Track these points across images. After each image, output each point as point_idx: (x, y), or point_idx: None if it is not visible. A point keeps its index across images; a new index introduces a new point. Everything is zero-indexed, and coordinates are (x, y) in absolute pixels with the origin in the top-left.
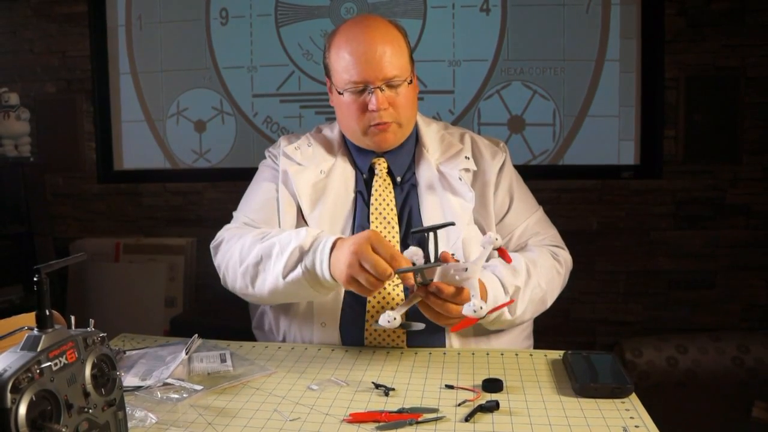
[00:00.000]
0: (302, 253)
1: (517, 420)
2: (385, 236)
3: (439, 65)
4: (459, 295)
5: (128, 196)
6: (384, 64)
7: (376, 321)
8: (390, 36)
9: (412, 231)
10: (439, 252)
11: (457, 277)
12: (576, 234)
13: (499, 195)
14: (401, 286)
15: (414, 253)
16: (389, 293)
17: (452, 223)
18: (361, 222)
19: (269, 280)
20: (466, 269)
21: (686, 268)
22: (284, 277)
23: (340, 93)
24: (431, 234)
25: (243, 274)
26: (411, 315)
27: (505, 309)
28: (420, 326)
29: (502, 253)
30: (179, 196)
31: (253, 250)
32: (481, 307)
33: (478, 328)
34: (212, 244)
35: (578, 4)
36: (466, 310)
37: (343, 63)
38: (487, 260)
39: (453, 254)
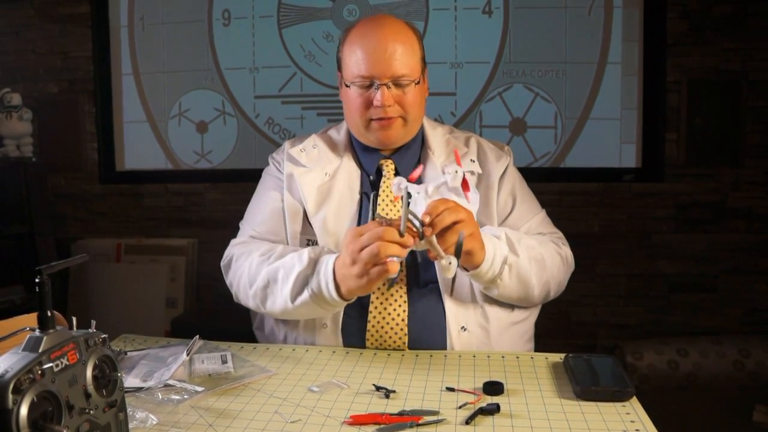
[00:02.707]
0: (306, 277)
1: (518, 423)
2: None
3: (441, 67)
4: (446, 201)
5: (130, 196)
6: (393, 61)
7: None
8: (403, 36)
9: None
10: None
11: (443, 189)
12: (577, 237)
13: (502, 197)
14: (402, 280)
15: (398, 182)
16: (389, 295)
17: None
18: (363, 223)
19: (279, 303)
20: (443, 180)
21: (687, 271)
22: (293, 302)
23: (347, 86)
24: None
25: (253, 296)
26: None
27: (507, 252)
28: (461, 238)
29: (463, 181)
30: (181, 197)
31: (261, 273)
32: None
33: (479, 326)
34: (222, 263)
35: (580, 6)
36: (471, 198)
37: (354, 57)
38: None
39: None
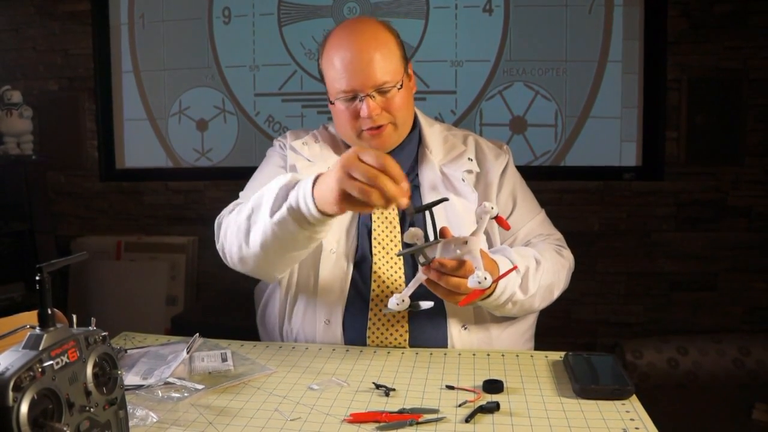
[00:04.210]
0: (287, 191)
1: (518, 421)
2: (387, 236)
3: (442, 65)
4: (462, 268)
5: (130, 194)
6: (372, 71)
7: (385, 306)
8: (379, 41)
9: (408, 212)
10: (438, 228)
11: (458, 251)
12: (577, 235)
13: (502, 197)
14: (402, 278)
15: (414, 234)
16: (390, 285)
17: (446, 199)
18: (364, 221)
19: (259, 229)
20: (466, 242)
21: (687, 269)
22: (271, 217)
23: (331, 102)
24: (429, 214)
25: (237, 233)
26: (420, 296)
27: (517, 289)
28: (428, 304)
29: (500, 221)
30: (181, 195)
31: (248, 206)
32: (486, 278)
33: (480, 325)
34: (216, 221)
35: (581, 5)
36: (471, 282)
37: (332, 71)
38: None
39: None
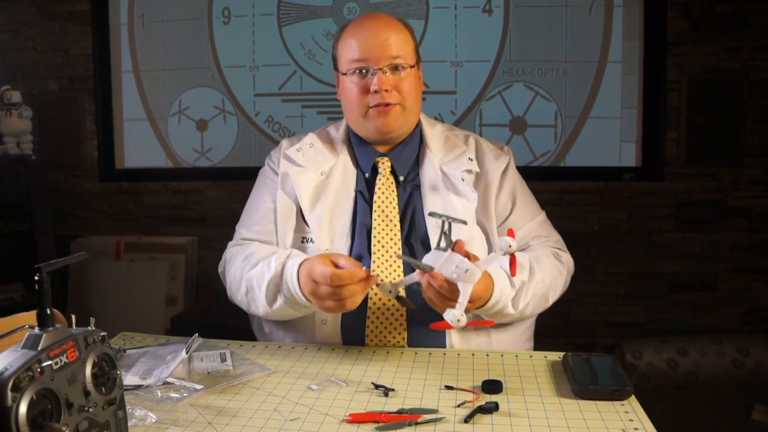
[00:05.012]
0: (277, 284)
1: (516, 422)
2: (386, 234)
3: (442, 66)
4: (451, 291)
5: (129, 194)
6: (388, 46)
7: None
8: (395, 27)
9: (430, 213)
10: (453, 240)
11: (454, 275)
12: (577, 235)
13: (502, 197)
14: (401, 278)
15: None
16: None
17: (464, 222)
18: (363, 221)
19: (260, 309)
20: (467, 270)
21: (687, 270)
22: (270, 307)
23: (344, 74)
24: (445, 224)
25: (241, 302)
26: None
27: (509, 303)
28: (412, 305)
29: (512, 260)
30: (180, 195)
31: (242, 282)
32: (459, 320)
33: (479, 327)
34: (219, 270)
35: (581, 5)
36: (447, 315)
37: (349, 48)
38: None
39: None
